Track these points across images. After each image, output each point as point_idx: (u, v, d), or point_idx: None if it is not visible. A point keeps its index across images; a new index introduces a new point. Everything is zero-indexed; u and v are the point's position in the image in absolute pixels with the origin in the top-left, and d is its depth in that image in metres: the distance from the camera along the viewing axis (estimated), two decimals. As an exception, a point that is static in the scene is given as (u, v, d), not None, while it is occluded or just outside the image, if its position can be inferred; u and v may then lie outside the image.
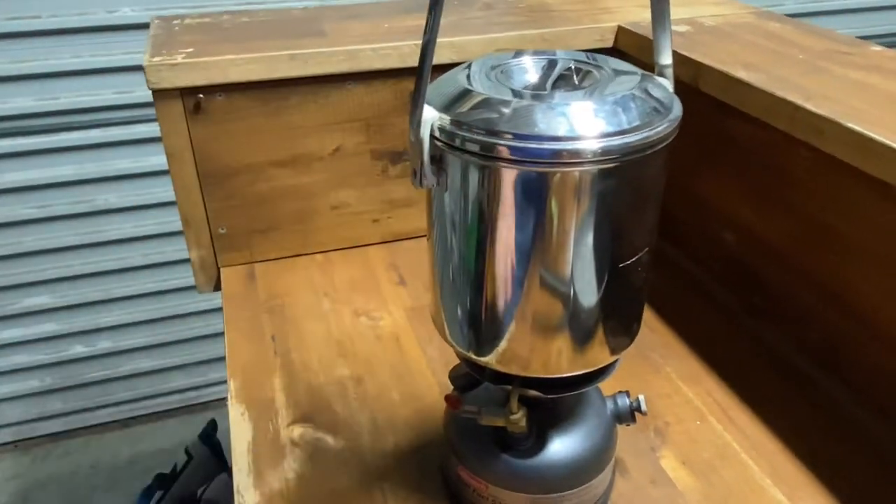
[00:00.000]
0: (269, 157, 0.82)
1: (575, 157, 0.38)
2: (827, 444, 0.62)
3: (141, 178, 1.57)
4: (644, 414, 0.55)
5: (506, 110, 0.39)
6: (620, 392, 0.56)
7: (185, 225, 0.82)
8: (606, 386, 0.56)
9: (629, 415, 0.56)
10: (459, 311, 0.47)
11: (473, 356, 0.48)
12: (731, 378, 0.69)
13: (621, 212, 0.42)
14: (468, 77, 0.43)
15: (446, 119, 0.41)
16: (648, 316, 0.78)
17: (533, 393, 0.49)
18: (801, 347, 0.73)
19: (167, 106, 0.75)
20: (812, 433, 0.63)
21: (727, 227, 0.82)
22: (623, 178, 0.40)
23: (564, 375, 0.47)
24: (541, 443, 0.52)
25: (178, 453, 1.58)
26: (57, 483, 1.71)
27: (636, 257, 0.44)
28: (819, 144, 0.59)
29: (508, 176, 0.40)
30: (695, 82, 0.72)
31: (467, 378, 0.55)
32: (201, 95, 0.75)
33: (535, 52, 0.47)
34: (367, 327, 0.77)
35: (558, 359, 0.46)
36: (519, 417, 0.50)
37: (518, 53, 0.47)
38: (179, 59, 0.73)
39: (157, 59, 0.73)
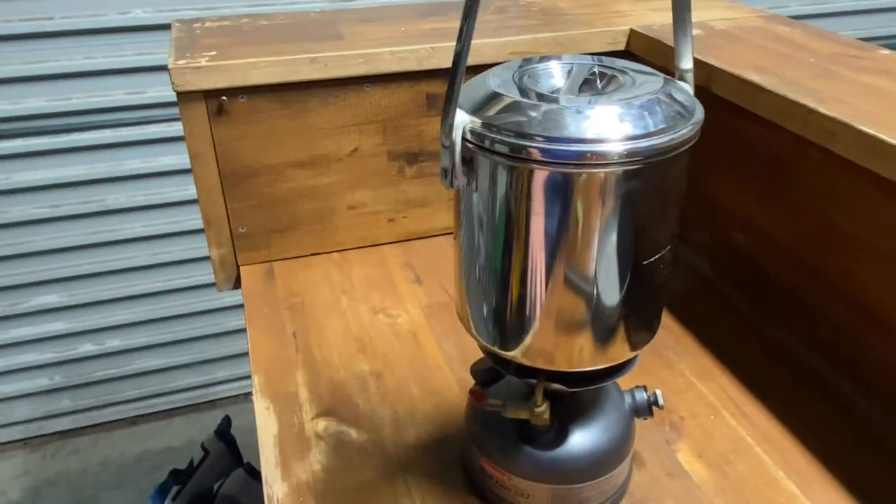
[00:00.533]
0: (288, 158, 0.84)
1: (601, 158, 0.40)
2: (837, 437, 0.64)
3: (151, 179, 1.59)
4: (661, 408, 0.57)
5: (534, 114, 0.41)
6: (638, 387, 0.58)
7: (207, 224, 0.84)
8: (624, 381, 0.58)
9: (647, 409, 0.57)
10: (485, 307, 0.49)
11: (499, 350, 0.49)
12: (743, 374, 0.71)
13: (645, 212, 0.44)
14: (497, 81, 0.45)
15: (477, 122, 0.42)
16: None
17: (556, 386, 0.51)
18: (812, 344, 0.74)
19: (191, 108, 0.77)
20: (823, 427, 0.65)
21: (738, 226, 0.83)
22: (647, 179, 0.42)
23: (588, 370, 0.49)
24: (562, 435, 0.54)
25: (185, 451, 1.59)
26: (66, 480, 1.73)
27: (658, 255, 0.46)
28: (831, 147, 0.61)
29: (537, 177, 0.42)
30: (707, 85, 0.74)
31: (489, 373, 0.56)
32: (224, 98, 0.77)
33: (561, 57, 0.49)
34: (385, 324, 0.79)
35: (581, 353, 0.48)
36: (543, 410, 0.51)
37: (544, 58, 0.49)
38: (203, 62, 0.75)
39: (181, 62, 0.75)
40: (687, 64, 0.47)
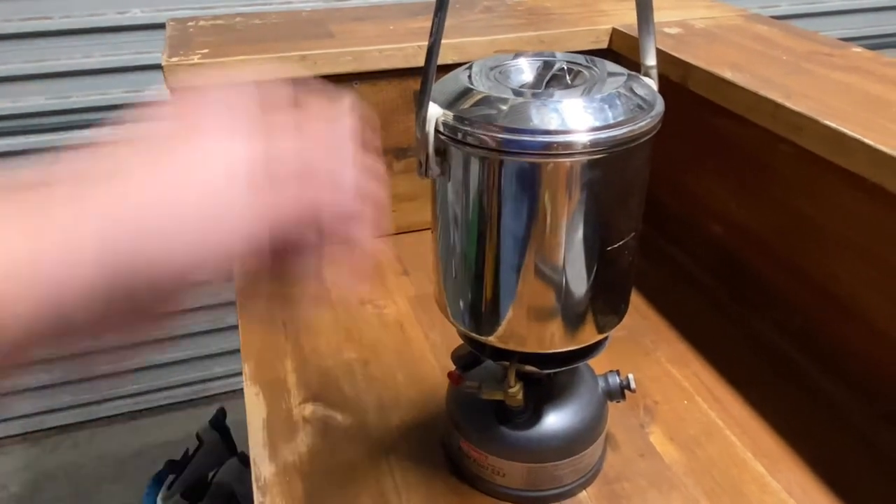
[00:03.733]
0: (279, 153, 0.86)
1: (565, 148, 0.42)
2: (806, 420, 0.66)
3: (149, 176, 1.61)
4: (633, 391, 0.59)
5: (503, 107, 0.43)
6: (611, 371, 0.60)
7: (199, 217, 0.86)
8: (599, 366, 0.61)
9: (619, 392, 0.60)
10: (460, 294, 0.51)
11: (475, 335, 0.52)
12: (717, 361, 0.73)
13: (608, 199, 0.46)
14: (469, 77, 0.47)
15: (449, 115, 0.45)
16: (640, 303, 0.83)
17: (529, 368, 0.53)
18: (783, 331, 0.77)
19: (184, 104, 0.79)
20: (793, 412, 0.67)
21: (715, 218, 0.86)
22: (609, 168, 0.44)
23: (559, 351, 0.51)
24: (536, 416, 0.57)
25: (183, 445, 1.61)
26: (65, 474, 1.75)
27: (623, 241, 0.48)
28: (798, 140, 0.63)
29: (505, 166, 0.44)
30: (684, 82, 0.76)
31: (469, 357, 0.59)
32: (216, 94, 0.79)
33: (533, 54, 0.51)
34: (372, 315, 0.81)
35: (553, 337, 0.50)
36: (516, 391, 0.54)
37: (517, 55, 0.51)
38: (196, 59, 0.77)
39: (174, 59, 0.77)
40: (651, 61, 0.49)
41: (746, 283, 0.82)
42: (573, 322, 0.50)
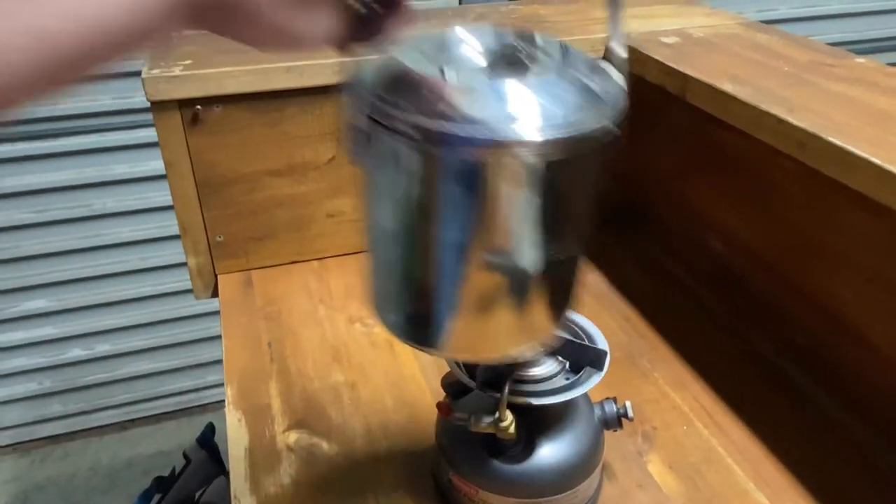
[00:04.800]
0: (265, 167, 0.83)
1: (503, 146, 0.37)
2: (809, 446, 0.64)
3: (139, 183, 1.59)
4: (630, 420, 0.57)
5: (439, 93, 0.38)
6: (608, 398, 0.58)
7: (183, 233, 0.84)
8: (595, 392, 0.58)
9: (616, 421, 0.57)
10: (395, 301, 0.46)
11: (420, 346, 0.47)
12: (717, 383, 0.71)
13: (555, 200, 0.40)
14: (411, 57, 0.41)
15: (380, 97, 0.39)
16: (637, 320, 0.80)
17: (522, 400, 0.51)
18: (786, 352, 0.74)
19: (165, 117, 0.77)
20: (795, 437, 0.65)
21: (714, 234, 0.83)
22: (555, 169, 0.38)
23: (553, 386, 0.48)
24: (530, 449, 0.54)
25: (175, 456, 1.59)
26: (55, 485, 1.72)
27: (566, 247, 0.43)
28: (801, 157, 0.60)
29: (437, 160, 0.38)
30: (682, 94, 0.74)
31: (460, 385, 0.56)
32: (199, 107, 0.77)
33: (490, 29, 0.44)
34: (361, 334, 0.79)
35: (496, 340, 0.45)
36: (508, 424, 0.51)
37: (472, 30, 0.44)
38: (177, 71, 0.75)
39: (155, 71, 0.74)
40: (621, 53, 0.45)
41: (746, 302, 0.80)
42: (516, 324, 0.45)
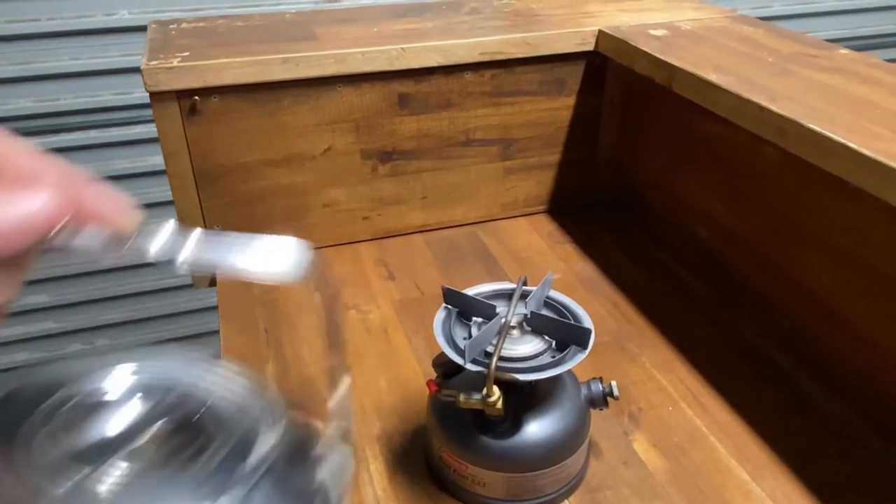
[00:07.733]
0: (262, 157, 0.85)
1: None
2: (790, 425, 0.66)
3: (139, 178, 1.60)
4: (616, 399, 0.59)
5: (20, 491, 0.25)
6: (594, 378, 0.60)
7: (181, 222, 0.85)
8: (584, 374, 0.60)
9: (602, 399, 0.59)
10: None
11: None
12: (702, 365, 0.72)
13: None
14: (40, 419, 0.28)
15: None
16: (625, 307, 0.82)
17: (509, 376, 0.52)
18: (769, 335, 0.76)
19: (164, 108, 0.78)
20: (778, 417, 0.67)
21: (701, 221, 0.85)
22: None
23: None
24: (517, 425, 0.56)
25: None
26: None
27: None
28: (783, 144, 0.62)
29: None
30: (669, 84, 0.76)
31: (450, 364, 0.58)
32: (197, 98, 0.79)
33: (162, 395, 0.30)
34: (356, 320, 0.80)
35: None
36: (495, 400, 0.53)
37: (132, 390, 0.30)
38: (176, 62, 0.76)
39: (154, 62, 0.76)
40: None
41: (732, 287, 0.82)
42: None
